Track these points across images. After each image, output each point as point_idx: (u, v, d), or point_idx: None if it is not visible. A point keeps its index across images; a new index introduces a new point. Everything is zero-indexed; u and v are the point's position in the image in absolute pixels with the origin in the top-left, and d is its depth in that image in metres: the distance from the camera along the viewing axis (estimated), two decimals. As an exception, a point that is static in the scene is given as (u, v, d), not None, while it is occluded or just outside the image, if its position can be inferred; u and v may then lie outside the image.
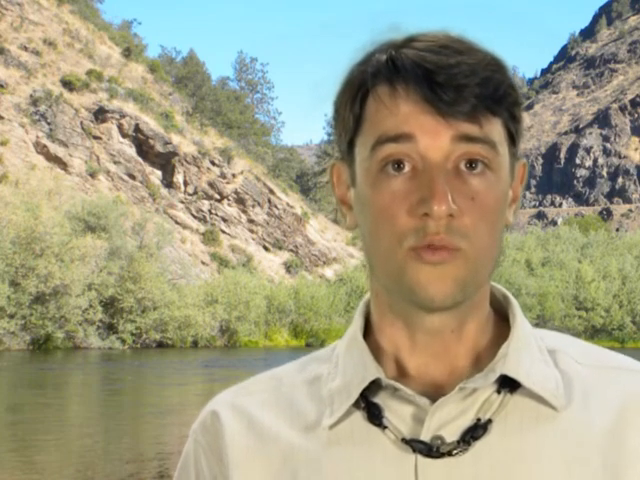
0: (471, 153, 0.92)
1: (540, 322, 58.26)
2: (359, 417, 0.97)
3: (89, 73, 65.26)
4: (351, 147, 0.97)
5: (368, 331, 1.02)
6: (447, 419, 0.94)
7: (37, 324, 38.33)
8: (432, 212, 0.90)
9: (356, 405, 0.98)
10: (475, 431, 0.93)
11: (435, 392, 0.96)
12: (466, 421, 0.94)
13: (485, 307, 1.00)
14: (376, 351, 1.00)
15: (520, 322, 1.00)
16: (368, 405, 0.97)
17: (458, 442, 0.93)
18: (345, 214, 1.01)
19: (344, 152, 0.99)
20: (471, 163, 0.93)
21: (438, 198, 0.90)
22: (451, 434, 0.94)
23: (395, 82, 0.93)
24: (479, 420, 0.94)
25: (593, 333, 62.60)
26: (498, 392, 0.96)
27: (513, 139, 0.96)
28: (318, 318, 52.45)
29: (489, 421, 0.94)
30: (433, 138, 0.91)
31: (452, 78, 0.90)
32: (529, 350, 0.98)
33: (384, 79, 0.94)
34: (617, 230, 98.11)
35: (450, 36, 0.94)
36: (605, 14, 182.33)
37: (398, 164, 0.92)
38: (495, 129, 0.93)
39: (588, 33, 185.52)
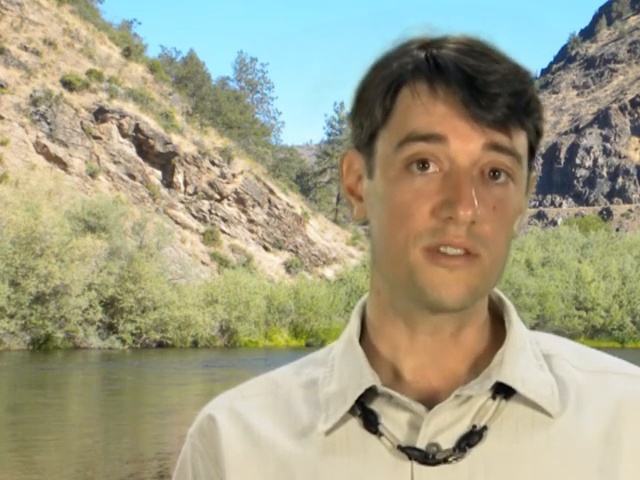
0: (498, 162, 0.92)
1: (540, 322, 58.25)
2: (355, 423, 0.97)
3: (89, 73, 65.26)
4: (373, 139, 0.96)
5: (364, 333, 1.02)
6: (443, 426, 0.94)
7: (37, 324, 38.34)
8: (457, 216, 0.89)
9: (352, 411, 0.97)
10: (470, 438, 0.93)
11: (431, 398, 0.96)
12: (462, 428, 0.94)
13: (484, 311, 1.00)
14: (372, 354, 0.99)
15: (516, 326, 1.00)
16: (364, 412, 0.96)
17: (454, 449, 0.93)
18: (353, 205, 1.00)
19: (363, 143, 0.97)
20: (495, 172, 0.92)
21: (465, 203, 0.89)
22: (447, 441, 0.94)
23: (435, 81, 0.92)
24: (474, 427, 0.94)
25: (593, 333, 62.60)
26: (493, 398, 0.95)
27: (532, 152, 0.97)
28: (318, 318, 52.43)
29: (484, 428, 0.94)
30: (465, 143, 0.91)
31: (488, 85, 0.91)
32: (524, 355, 0.98)
33: (423, 76, 0.93)
34: (617, 230, 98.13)
35: (483, 42, 0.94)
36: (605, 14, 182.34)
37: (423, 163, 0.92)
38: (522, 142, 0.94)
39: (588, 33, 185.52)
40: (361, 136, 0.97)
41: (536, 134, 0.96)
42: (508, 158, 0.92)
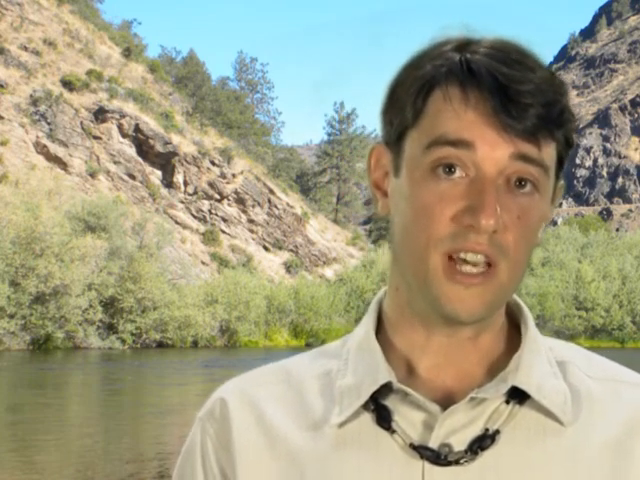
0: (524, 172, 0.92)
1: (540, 322, 58.23)
2: (368, 419, 0.97)
3: (89, 73, 65.26)
4: (401, 138, 0.96)
5: (380, 328, 1.02)
6: (456, 427, 0.94)
7: (37, 324, 38.34)
8: (479, 225, 0.89)
9: (365, 406, 0.97)
10: (483, 441, 0.94)
11: (445, 398, 0.96)
12: (474, 430, 0.94)
13: (501, 317, 1.00)
14: (387, 350, 0.99)
15: (532, 333, 1.00)
16: (378, 408, 0.96)
17: (466, 451, 0.93)
18: (378, 199, 1.00)
19: (391, 140, 0.97)
20: (521, 182, 0.92)
21: (488, 212, 0.89)
22: (459, 442, 0.94)
23: (467, 87, 0.92)
24: (487, 430, 0.94)
25: (593, 333, 62.61)
26: (507, 402, 0.96)
27: (561, 163, 0.97)
28: (318, 318, 52.44)
29: (497, 431, 0.94)
30: (492, 150, 0.91)
31: (520, 95, 0.90)
32: (540, 362, 0.98)
33: (456, 81, 0.93)
34: (617, 230, 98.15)
35: (519, 48, 0.94)
36: (605, 14, 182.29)
37: (450, 168, 0.92)
38: (550, 153, 0.93)
39: (588, 33, 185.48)
40: (390, 133, 0.97)
41: (566, 145, 0.95)
42: (535, 169, 0.92)
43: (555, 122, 0.92)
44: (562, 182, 1.00)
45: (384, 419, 0.96)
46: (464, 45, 0.94)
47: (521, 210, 0.92)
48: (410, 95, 0.94)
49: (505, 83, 0.90)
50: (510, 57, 0.92)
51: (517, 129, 0.90)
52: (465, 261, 0.90)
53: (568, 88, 0.92)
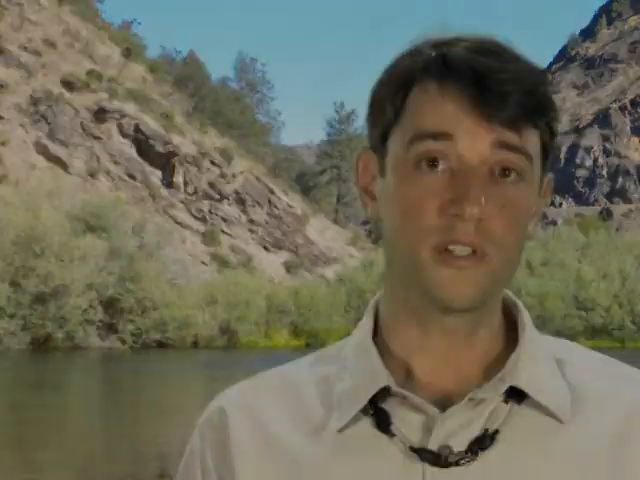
0: (507, 161, 0.92)
1: (540, 322, 58.23)
2: (367, 423, 0.97)
3: (89, 73, 65.27)
4: (385, 138, 0.96)
5: (377, 331, 1.01)
6: (455, 428, 0.94)
7: (37, 324, 38.37)
8: (464, 213, 0.89)
9: (364, 411, 0.97)
10: (482, 441, 0.94)
11: (443, 399, 0.96)
12: (474, 431, 0.94)
13: (498, 315, 1.00)
14: (384, 353, 0.99)
15: (529, 331, 0.99)
16: (376, 411, 0.96)
17: (466, 452, 0.93)
18: (367, 204, 1.00)
19: (376, 142, 0.98)
20: (505, 171, 0.92)
21: (472, 200, 0.89)
22: (459, 443, 0.94)
23: (444, 79, 0.92)
24: (486, 430, 0.94)
25: (593, 333, 62.57)
26: (505, 402, 0.95)
27: (546, 153, 0.96)
28: (318, 318, 52.40)
29: (496, 432, 0.94)
30: (473, 141, 0.91)
31: (499, 83, 0.90)
32: (537, 360, 0.98)
33: (433, 75, 0.93)
34: (617, 230, 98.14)
35: (496, 42, 0.95)
36: (605, 14, 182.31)
37: (432, 161, 0.92)
38: (533, 141, 0.93)
39: (588, 33, 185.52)
40: (374, 135, 0.98)
41: (550, 134, 0.95)
42: (518, 157, 0.92)
43: (536, 109, 0.92)
44: (550, 175, 0.99)
45: (383, 423, 0.95)
46: (442, 42, 0.95)
47: (506, 199, 0.92)
48: (390, 94, 0.95)
49: (483, 73, 0.91)
50: (488, 49, 0.93)
51: (497, 117, 0.90)
52: (453, 255, 0.91)
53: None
